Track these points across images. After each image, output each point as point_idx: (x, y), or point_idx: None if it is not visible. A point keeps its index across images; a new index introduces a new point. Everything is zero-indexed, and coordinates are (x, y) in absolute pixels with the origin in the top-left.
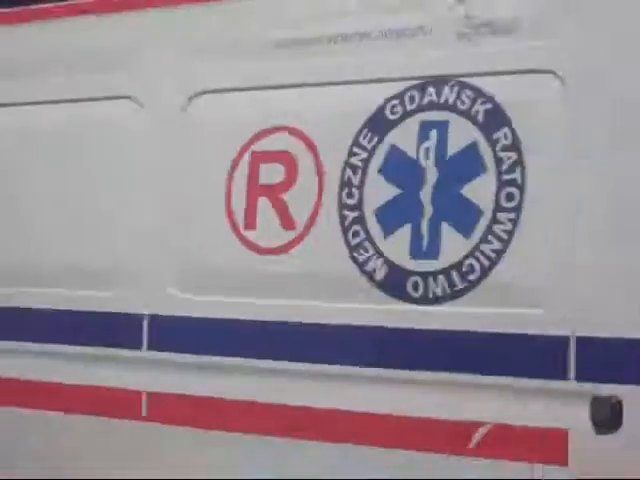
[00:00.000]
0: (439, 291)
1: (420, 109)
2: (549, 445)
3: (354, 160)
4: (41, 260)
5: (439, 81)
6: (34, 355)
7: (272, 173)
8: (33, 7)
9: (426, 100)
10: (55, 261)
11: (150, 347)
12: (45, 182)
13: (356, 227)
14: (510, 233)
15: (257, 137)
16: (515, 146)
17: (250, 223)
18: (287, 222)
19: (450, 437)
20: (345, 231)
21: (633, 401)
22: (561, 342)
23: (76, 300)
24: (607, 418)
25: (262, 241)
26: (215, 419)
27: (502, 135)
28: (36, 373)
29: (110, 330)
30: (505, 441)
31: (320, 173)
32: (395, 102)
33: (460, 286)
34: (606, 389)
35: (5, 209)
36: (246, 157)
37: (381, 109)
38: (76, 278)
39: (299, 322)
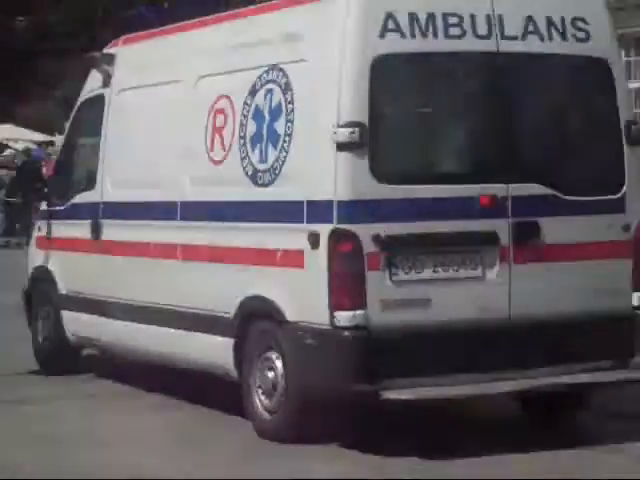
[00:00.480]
0: (267, 180)
1: (266, 83)
2: (297, 258)
3: (244, 112)
4: (135, 173)
5: (271, 68)
6: (131, 227)
7: (220, 120)
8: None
9: (268, 78)
10: (137, 173)
11: (181, 218)
12: (141, 128)
13: (243, 148)
14: (289, 147)
15: (216, 100)
16: (293, 101)
17: (211, 148)
18: (223, 146)
19: (264, 256)
20: (239, 150)
21: (325, 232)
22: (301, 204)
23: (145, 195)
24: (314, 242)
25: (215, 157)
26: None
27: (289, 95)
28: (130, 236)
29: (160, 210)
30: (287, 257)
31: (234, 119)
32: (258, 80)
33: (273, 176)
34: (315, 227)
35: (123, 145)
36: (212, 112)
37: (254, 84)
38: (145, 182)
39: (218, 200)
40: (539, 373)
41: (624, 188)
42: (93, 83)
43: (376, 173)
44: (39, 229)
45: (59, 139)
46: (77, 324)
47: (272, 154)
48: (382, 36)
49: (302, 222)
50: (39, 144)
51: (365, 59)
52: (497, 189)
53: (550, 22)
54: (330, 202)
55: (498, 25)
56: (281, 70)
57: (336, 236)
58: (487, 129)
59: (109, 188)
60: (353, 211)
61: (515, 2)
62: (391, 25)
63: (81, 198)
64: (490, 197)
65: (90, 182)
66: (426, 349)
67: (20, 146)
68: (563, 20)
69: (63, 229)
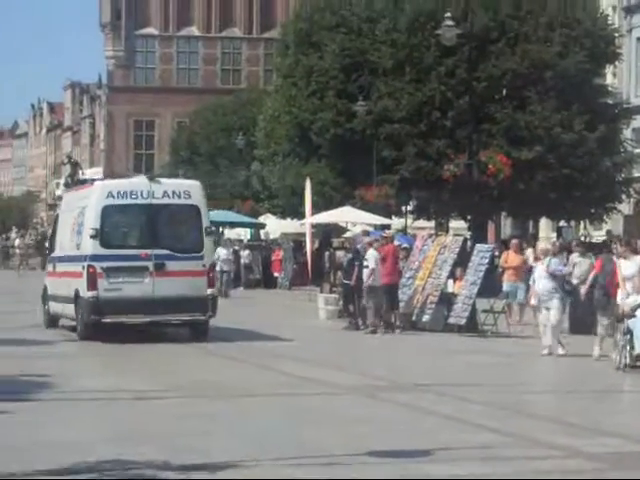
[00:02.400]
0: (78, 247)
1: (80, 213)
2: (81, 274)
3: (77, 223)
4: (61, 244)
5: (82, 208)
6: (60, 265)
7: (74, 227)
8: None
9: (81, 212)
10: (61, 244)
11: (66, 261)
12: (62, 228)
13: (75, 236)
14: (82, 236)
15: (74, 219)
16: (84, 220)
17: (71, 235)
18: (73, 235)
19: (77, 274)
20: (76, 236)
21: (86, 265)
22: (83, 256)
23: (62, 253)
24: (83, 268)
25: (72, 239)
26: None
27: (84, 218)
28: (59, 269)
29: (63, 258)
30: (80, 274)
31: (75, 226)
32: (79, 212)
33: (79, 246)
34: (84, 263)
35: (59, 234)
36: (73, 224)
37: (79, 212)
38: (62, 248)
39: (71, 254)
40: (166, 316)
41: (203, 252)
42: (57, 209)
43: (102, 244)
44: (47, 268)
45: (396, 222)
46: (52, 307)
47: (79, 238)
48: (107, 198)
49: (82, 262)
50: (375, 227)
51: (100, 206)
52: (149, 251)
53: (174, 192)
54: (87, 255)
55: (152, 193)
56: (84, 209)
57: (87, 267)
58: (147, 231)
59: (57, 250)
60: (93, 258)
61: (159, 186)
62: (109, 195)
63: (53, 254)
64: (146, 254)
65: (54, 248)
66: (120, 305)
67: (358, 229)
68: (181, 192)
69: (49, 267)
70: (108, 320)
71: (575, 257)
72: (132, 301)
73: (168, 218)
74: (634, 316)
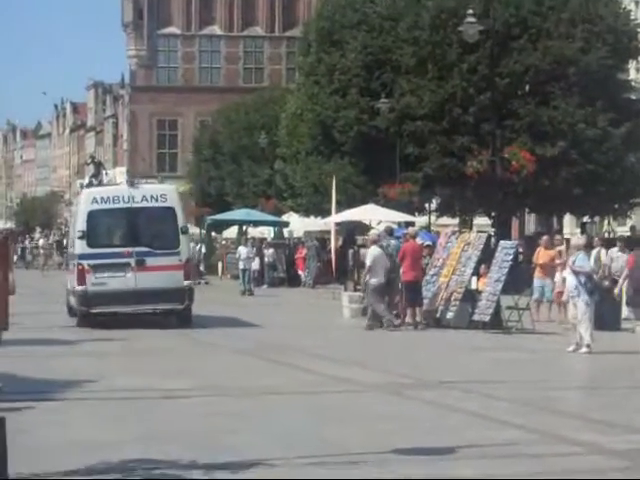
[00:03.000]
0: (71, 246)
1: (72, 216)
2: (74, 271)
3: (72, 222)
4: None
5: (75, 212)
6: (71, 262)
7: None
8: None
9: (73, 214)
10: (71, 243)
11: (71, 259)
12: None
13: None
14: (74, 236)
15: (73, 220)
16: (76, 220)
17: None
18: (69, 234)
19: (72, 271)
20: (71, 237)
21: (76, 263)
22: (75, 255)
23: (72, 250)
24: (75, 265)
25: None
26: None
27: (75, 219)
28: (71, 265)
29: (72, 256)
30: (73, 271)
31: (70, 227)
32: (73, 215)
33: (71, 245)
34: (75, 261)
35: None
36: (71, 224)
37: (71, 216)
38: (71, 245)
39: (71, 253)
40: (147, 306)
41: (179, 248)
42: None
43: (89, 244)
44: (68, 266)
45: (420, 220)
46: (69, 300)
47: (72, 239)
48: (92, 203)
49: (74, 260)
50: (399, 224)
51: (86, 211)
52: (130, 249)
53: (152, 196)
54: (77, 254)
55: (132, 198)
56: (76, 213)
57: (78, 264)
58: (128, 231)
59: (70, 249)
60: (81, 257)
61: (138, 191)
62: (94, 200)
63: (69, 252)
64: (128, 252)
65: (69, 246)
66: (106, 297)
67: (382, 226)
68: (158, 196)
69: (68, 265)
70: (95, 311)
71: (614, 252)
72: (117, 293)
73: (147, 219)
74: None
